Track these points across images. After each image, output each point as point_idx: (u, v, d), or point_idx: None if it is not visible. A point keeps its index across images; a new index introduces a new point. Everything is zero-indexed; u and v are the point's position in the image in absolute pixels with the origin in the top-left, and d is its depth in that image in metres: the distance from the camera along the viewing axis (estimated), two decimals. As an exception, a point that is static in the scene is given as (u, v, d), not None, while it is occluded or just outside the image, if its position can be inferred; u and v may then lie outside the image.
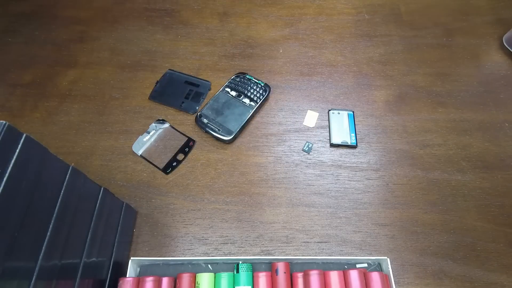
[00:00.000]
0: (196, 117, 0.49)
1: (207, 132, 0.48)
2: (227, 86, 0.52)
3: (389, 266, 0.37)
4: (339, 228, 0.43)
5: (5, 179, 0.22)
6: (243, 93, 0.51)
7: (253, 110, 0.50)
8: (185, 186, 0.46)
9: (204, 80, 0.55)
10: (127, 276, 0.36)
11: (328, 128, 0.51)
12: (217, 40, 0.59)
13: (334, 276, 0.35)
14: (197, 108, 0.52)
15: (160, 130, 0.50)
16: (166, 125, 0.50)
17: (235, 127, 0.48)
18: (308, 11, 0.64)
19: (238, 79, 0.52)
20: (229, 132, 0.48)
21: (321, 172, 0.47)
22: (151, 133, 0.49)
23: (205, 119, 0.48)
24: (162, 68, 0.56)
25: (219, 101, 0.50)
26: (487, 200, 0.45)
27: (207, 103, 0.50)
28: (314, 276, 0.35)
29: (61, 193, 0.28)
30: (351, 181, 0.46)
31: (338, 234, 0.43)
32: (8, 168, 0.22)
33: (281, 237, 0.43)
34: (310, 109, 0.52)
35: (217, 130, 0.48)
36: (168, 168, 0.47)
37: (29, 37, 0.59)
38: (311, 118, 0.51)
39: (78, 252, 0.31)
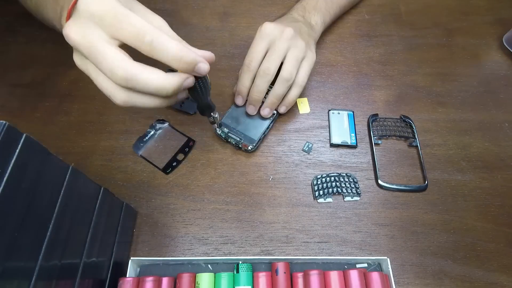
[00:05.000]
0: (216, 126, 0.47)
1: (228, 142, 0.48)
2: None
3: (389, 266, 0.37)
4: (339, 228, 0.43)
5: (5, 179, 0.22)
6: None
7: (274, 117, 0.49)
8: (185, 186, 0.46)
9: (204, 80, 0.54)
10: (127, 276, 0.36)
11: (328, 128, 0.51)
12: (217, 40, 0.59)
13: (334, 276, 0.35)
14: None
15: (160, 130, 0.50)
16: (166, 125, 0.50)
17: (256, 135, 0.47)
18: (308, 11, 0.64)
19: None
20: (251, 141, 0.47)
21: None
22: (151, 133, 0.49)
23: (225, 129, 0.47)
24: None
25: (238, 110, 0.49)
26: (487, 200, 0.45)
27: (225, 112, 0.49)
28: (314, 276, 0.35)
29: (61, 193, 0.28)
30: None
31: (338, 234, 0.43)
32: (8, 168, 0.22)
33: (281, 237, 0.43)
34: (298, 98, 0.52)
35: (238, 139, 0.47)
36: (168, 168, 0.47)
37: (29, 37, 0.59)
38: (302, 104, 0.51)
39: (78, 252, 0.31)
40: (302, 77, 0.46)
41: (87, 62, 0.30)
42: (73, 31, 0.29)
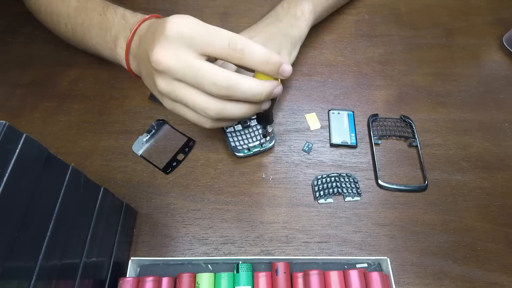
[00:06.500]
0: (265, 140, 0.47)
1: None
2: None
3: (389, 266, 0.37)
4: (339, 228, 0.43)
5: (5, 179, 0.22)
6: None
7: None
8: (185, 186, 0.46)
9: (204, 80, 0.54)
10: (127, 276, 0.36)
11: (328, 128, 0.51)
12: (217, 40, 0.59)
13: (334, 276, 0.35)
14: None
15: (160, 130, 0.50)
16: (166, 125, 0.50)
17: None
18: (308, 11, 0.64)
19: None
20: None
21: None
22: (151, 133, 0.49)
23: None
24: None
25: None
26: (487, 200, 0.45)
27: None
28: (314, 276, 0.35)
29: (61, 193, 0.28)
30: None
31: (338, 234, 0.43)
32: (8, 168, 0.22)
33: (281, 237, 0.43)
34: (306, 113, 0.52)
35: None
36: (168, 168, 0.47)
37: (29, 37, 0.59)
38: (312, 120, 0.51)
39: (78, 252, 0.31)
40: None
41: (174, 84, 0.31)
42: (165, 56, 0.30)
